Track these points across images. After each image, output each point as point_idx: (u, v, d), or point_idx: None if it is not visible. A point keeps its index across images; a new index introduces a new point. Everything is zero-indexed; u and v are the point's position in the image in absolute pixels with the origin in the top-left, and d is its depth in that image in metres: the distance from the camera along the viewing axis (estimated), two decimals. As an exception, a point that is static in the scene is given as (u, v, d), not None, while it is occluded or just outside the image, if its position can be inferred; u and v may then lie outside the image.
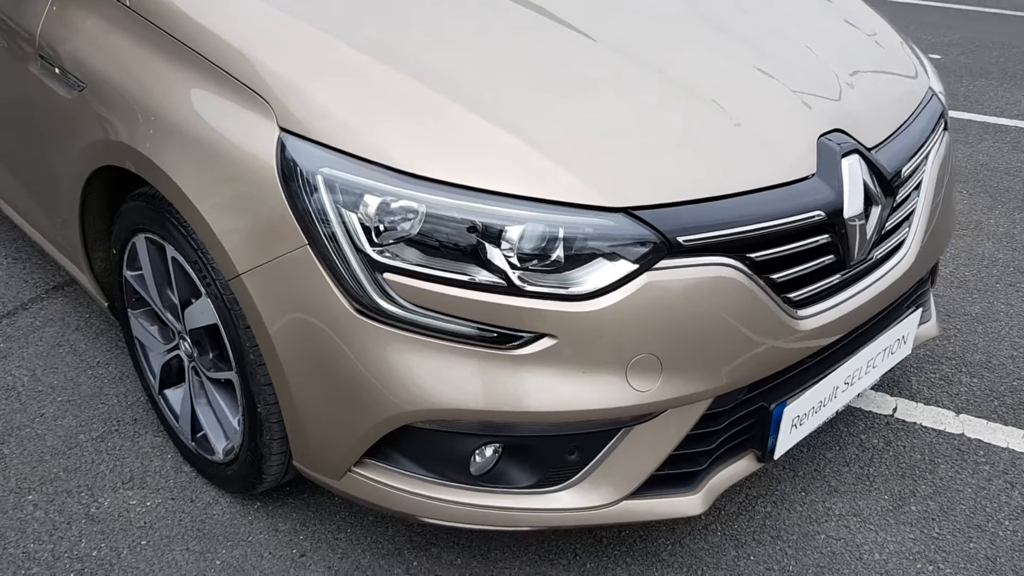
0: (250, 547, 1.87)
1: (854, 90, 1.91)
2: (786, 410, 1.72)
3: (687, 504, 1.67)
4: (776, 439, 1.74)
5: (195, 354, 1.89)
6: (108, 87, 1.81)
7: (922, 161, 1.95)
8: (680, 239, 1.51)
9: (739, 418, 1.72)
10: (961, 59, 5.24)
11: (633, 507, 1.64)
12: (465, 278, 1.47)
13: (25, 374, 2.35)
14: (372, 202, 1.47)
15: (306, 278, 1.51)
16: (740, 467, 1.77)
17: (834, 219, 1.68)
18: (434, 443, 1.58)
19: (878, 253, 1.84)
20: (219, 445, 1.93)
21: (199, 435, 1.98)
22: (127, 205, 1.90)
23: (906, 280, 1.92)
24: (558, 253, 1.48)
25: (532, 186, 1.49)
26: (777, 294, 1.63)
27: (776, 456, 1.77)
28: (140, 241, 1.91)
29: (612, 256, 1.49)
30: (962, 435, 2.26)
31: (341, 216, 1.48)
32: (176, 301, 1.87)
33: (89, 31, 1.90)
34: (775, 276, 1.63)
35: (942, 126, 2.08)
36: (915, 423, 2.30)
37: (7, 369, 2.37)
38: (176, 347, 1.98)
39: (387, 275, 1.48)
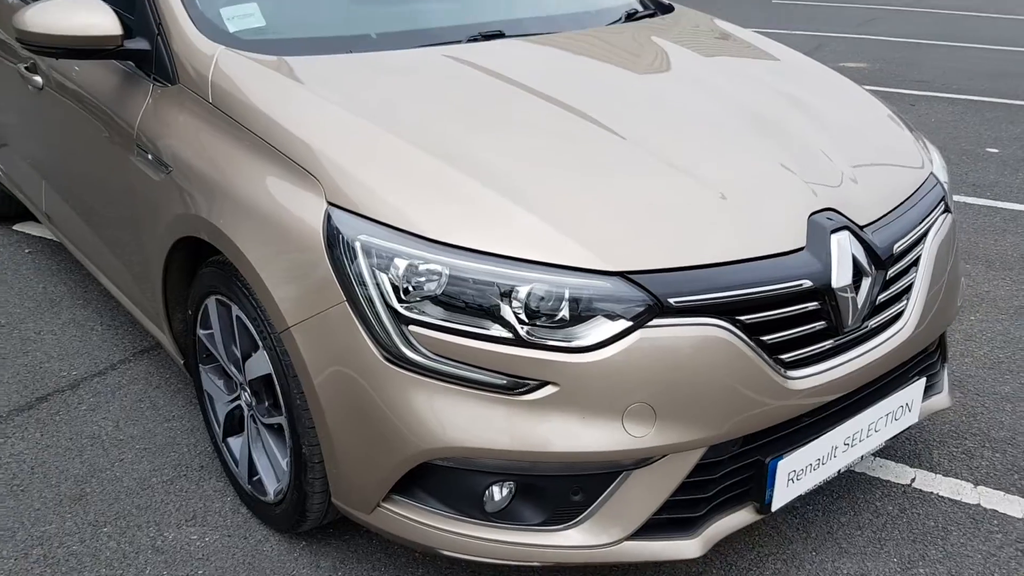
0: (293, 580, 2.07)
1: (850, 174, 2.08)
2: (781, 464, 1.86)
3: (685, 548, 1.81)
4: (773, 492, 1.88)
5: (253, 403, 2.13)
6: (190, 169, 2.12)
7: (918, 240, 2.10)
8: (671, 300, 1.70)
9: (736, 469, 1.86)
10: (1019, 152, 5.32)
11: (634, 548, 1.79)
12: (480, 331, 1.68)
13: (110, 424, 2.63)
14: (401, 264, 1.70)
15: (344, 330, 1.74)
16: (740, 517, 1.90)
17: (823, 289, 1.84)
18: (452, 480, 1.77)
19: (874, 323, 1.98)
20: (271, 487, 2.15)
21: (255, 479, 2.21)
22: (202, 271, 2.18)
23: (904, 350, 2.05)
24: (563, 312, 1.68)
25: (542, 252, 1.70)
26: (769, 355, 1.79)
27: (774, 508, 1.90)
28: (211, 303, 2.18)
29: (610, 314, 1.68)
30: (978, 505, 2.33)
31: (375, 277, 1.72)
32: (239, 355, 2.12)
33: (177, 123, 2.22)
34: (766, 338, 1.79)
35: (942, 209, 2.23)
36: (932, 493, 2.38)
37: (95, 420, 2.66)
38: (238, 398, 2.23)
39: (412, 328, 1.70)
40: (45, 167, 3.16)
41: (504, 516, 1.79)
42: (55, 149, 3.00)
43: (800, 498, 2.04)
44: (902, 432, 2.17)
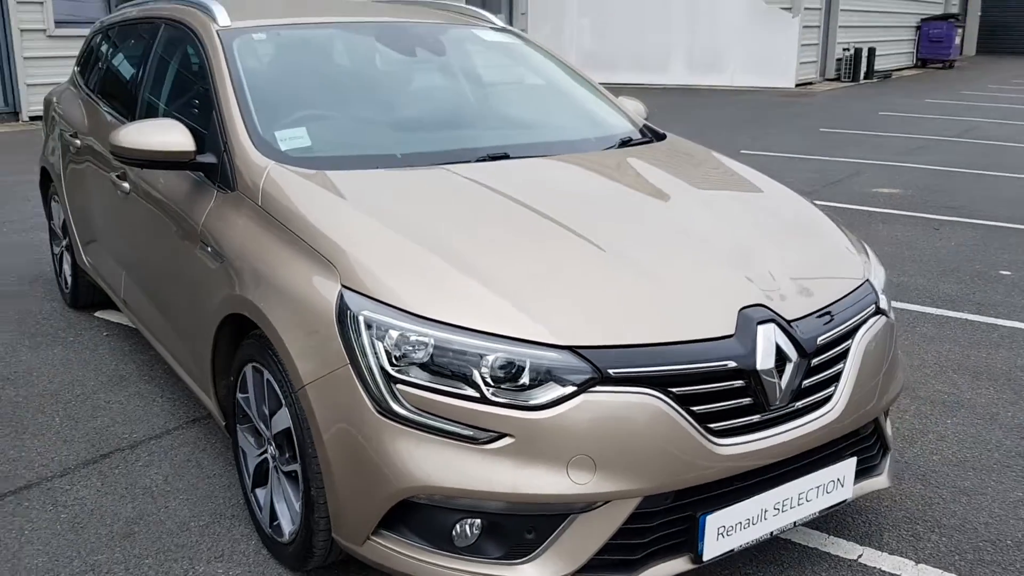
0: (299, 608, 2.42)
1: (787, 278, 2.45)
2: (710, 519, 2.18)
3: (626, 591, 2.13)
4: (703, 544, 2.19)
5: (276, 455, 2.54)
6: (240, 259, 2.59)
7: (847, 336, 2.44)
8: (611, 371, 2.07)
9: (670, 521, 2.18)
10: (1033, 276, 5.58)
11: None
12: (454, 391, 2.07)
13: (160, 478, 3.05)
14: (395, 335, 2.12)
15: (346, 388, 2.15)
16: (676, 565, 2.21)
17: (748, 370, 2.19)
18: (428, 517, 2.13)
19: (801, 404, 2.31)
20: (287, 529, 2.52)
21: (274, 523, 2.59)
22: (244, 343, 2.62)
23: (833, 430, 2.36)
24: (524, 379, 2.07)
25: (508, 328, 2.10)
26: (698, 423, 2.14)
27: (705, 559, 2.20)
28: (248, 369, 2.61)
29: (559, 380, 2.06)
30: (916, 580, 2.58)
31: (373, 345, 2.13)
32: (267, 412, 2.54)
33: (233, 222, 2.71)
34: (696, 408, 2.14)
35: (873, 311, 2.57)
36: (875, 567, 2.63)
37: (148, 474, 3.08)
38: (264, 452, 2.63)
39: (399, 386, 2.10)
40: (125, 260, 3.71)
41: (471, 550, 2.14)
42: (135, 244, 3.54)
43: (740, 554, 2.34)
44: (837, 506, 2.46)
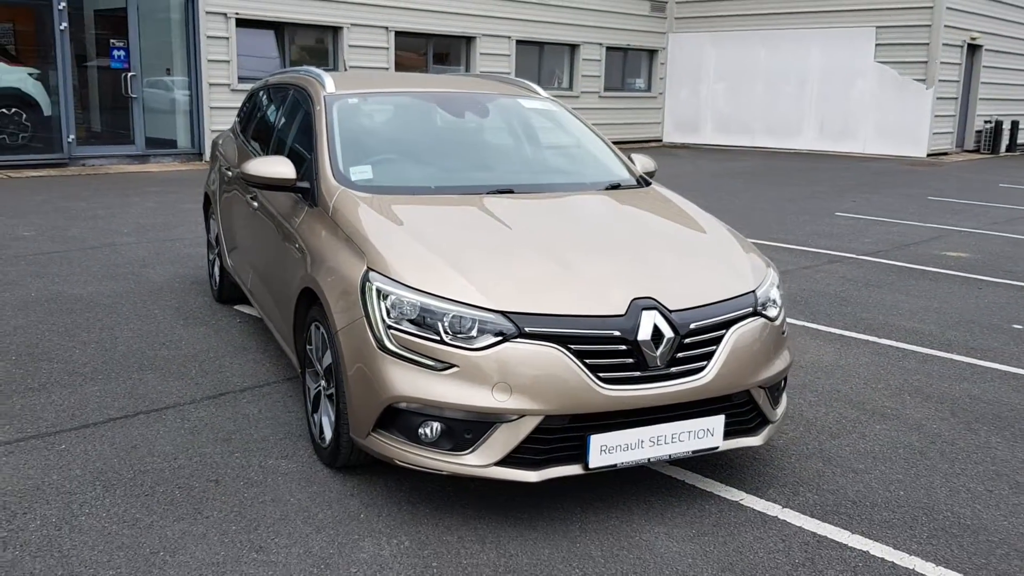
0: (333, 506, 3.54)
1: (679, 280, 3.42)
2: (594, 438, 3.16)
3: (528, 475, 3.14)
4: (589, 456, 3.17)
5: (324, 385, 3.69)
6: (313, 251, 3.79)
7: (721, 326, 3.38)
8: (527, 329, 3.12)
9: (566, 437, 3.18)
10: (1043, 331, 6.14)
11: (498, 471, 3.14)
12: (425, 335, 3.17)
13: (255, 411, 4.27)
14: (392, 298, 3.24)
15: (360, 333, 3.28)
16: (571, 468, 3.20)
17: (630, 340, 3.18)
18: (404, 419, 3.21)
19: (676, 369, 3.27)
20: (327, 436, 3.66)
21: (321, 435, 3.73)
22: (312, 309, 3.81)
23: (701, 391, 3.29)
24: (471, 330, 3.14)
25: (465, 297, 3.18)
26: (591, 371, 3.15)
27: (591, 467, 3.18)
28: (313, 327, 3.79)
29: (492, 332, 3.12)
30: (778, 518, 3.44)
31: (378, 304, 3.25)
32: (320, 355, 3.70)
33: (312, 227, 3.93)
34: (588, 361, 3.15)
35: (749, 312, 3.49)
36: (750, 507, 3.51)
37: (248, 407, 4.31)
38: (319, 385, 3.79)
39: (392, 331, 3.21)
40: (252, 258, 5.02)
41: (432, 445, 3.21)
42: (257, 246, 4.84)
43: (649, 490, 3.29)
44: (709, 451, 3.37)
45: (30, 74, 13.89)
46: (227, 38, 14.41)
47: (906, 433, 4.30)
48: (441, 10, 17.24)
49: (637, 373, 3.22)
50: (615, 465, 3.24)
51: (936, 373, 5.19)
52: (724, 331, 3.41)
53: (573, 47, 20.33)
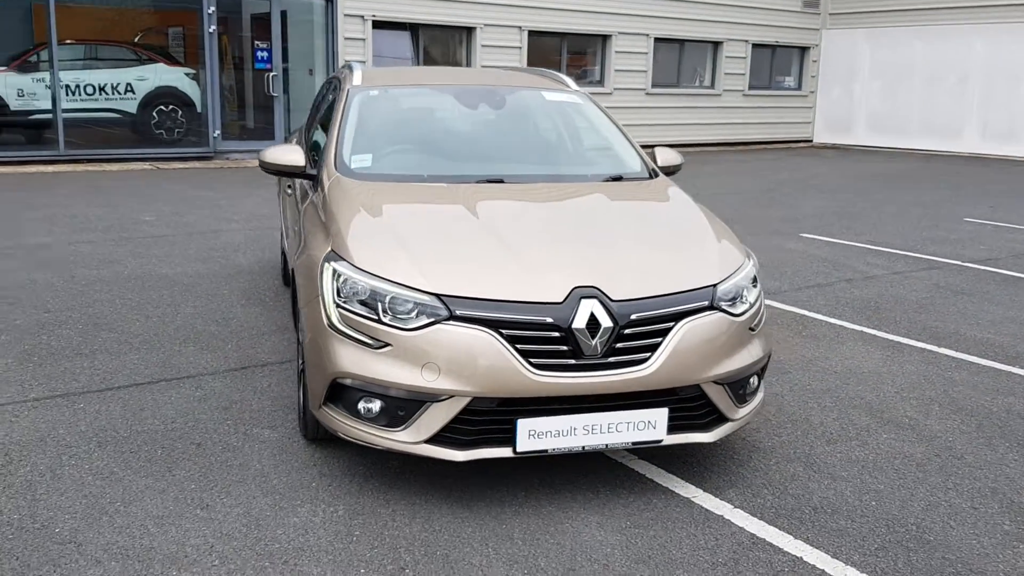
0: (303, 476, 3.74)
1: (630, 270, 3.40)
2: (521, 422, 3.20)
3: (454, 455, 3.22)
4: (517, 440, 3.21)
5: (300, 360, 3.90)
6: (304, 234, 4.00)
7: (669, 318, 3.33)
8: (458, 312, 3.20)
9: (496, 420, 3.23)
10: None
11: (427, 448, 3.24)
12: (366, 315, 3.30)
13: (267, 384, 4.54)
14: (343, 279, 3.39)
15: (316, 310, 3.45)
16: (500, 451, 3.25)
17: (565, 328, 3.20)
18: (347, 395, 3.36)
19: (613, 359, 3.25)
20: (302, 409, 3.87)
21: (301, 407, 3.94)
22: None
23: (643, 383, 3.26)
24: (407, 311, 3.25)
25: (405, 279, 3.30)
26: (522, 356, 3.19)
27: (519, 451, 3.22)
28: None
29: (425, 314, 3.22)
30: (722, 516, 3.37)
31: (332, 285, 3.41)
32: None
33: (310, 212, 4.14)
34: (520, 346, 3.19)
35: (705, 306, 3.41)
36: (701, 505, 3.44)
37: (262, 381, 4.58)
38: (301, 360, 4.00)
39: (340, 310, 3.36)
40: (287, 242, 5.31)
41: (370, 420, 3.33)
42: (289, 230, 5.13)
43: (589, 461, 3.31)
44: (651, 443, 3.34)
45: (187, 74, 15.00)
46: (363, 39, 15.05)
47: (913, 444, 4.07)
48: (576, 8, 17.31)
49: (572, 361, 3.23)
50: (546, 451, 3.27)
51: (982, 385, 4.85)
52: (673, 324, 3.36)
53: (716, 44, 19.92)
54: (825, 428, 4.22)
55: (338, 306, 3.37)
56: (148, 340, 5.20)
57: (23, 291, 6.15)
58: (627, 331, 3.29)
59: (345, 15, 14.82)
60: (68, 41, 13.95)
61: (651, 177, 4.53)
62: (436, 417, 3.23)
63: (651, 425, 3.34)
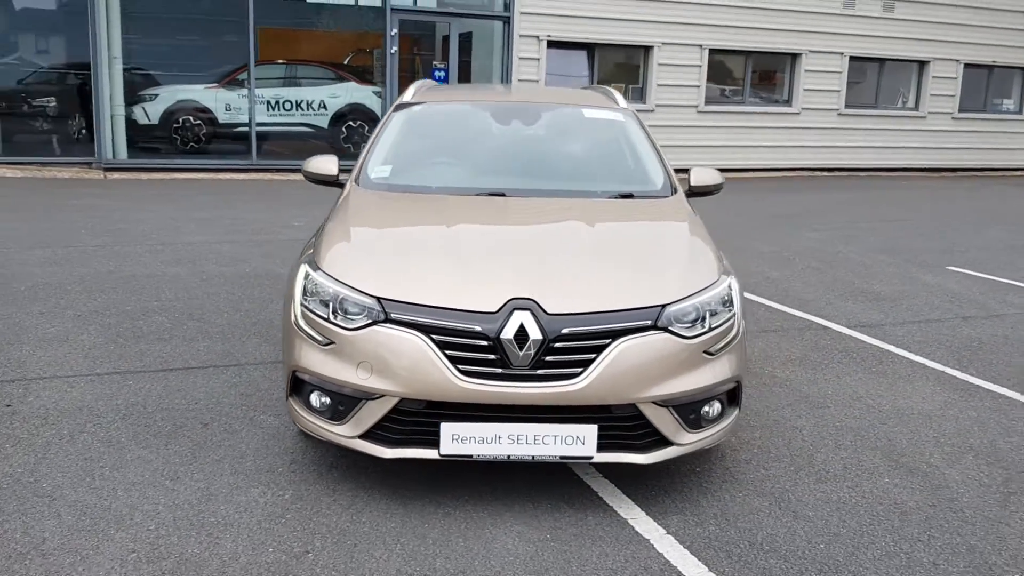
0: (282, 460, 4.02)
1: (574, 286, 3.42)
2: (445, 426, 3.30)
3: (382, 451, 3.37)
4: (441, 442, 3.32)
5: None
6: (324, 224, 4.30)
7: (603, 336, 3.31)
8: (393, 315, 3.36)
9: (422, 422, 3.35)
10: None
11: (359, 443, 3.41)
12: (320, 314, 3.52)
13: (267, 381, 4.88)
14: (309, 279, 3.64)
15: (288, 308, 3.72)
16: (426, 452, 3.36)
17: (493, 337, 3.28)
18: (303, 388, 3.59)
19: (542, 372, 3.29)
20: (298, 401, 4.15)
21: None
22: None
23: (573, 398, 3.28)
24: (352, 313, 3.44)
25: (355, 283, 3.49)
26: (450, 362, 3.30)
27: (442, 453, 3.32)
28: (307, 305, 4.30)
29: (365, 315, 3.40)
30: (644, 539, 3.31)
31: (301, 287, 3.66)
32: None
33: (334, 209, 4.44)
34: (448, 352, 3.30)
35: (647, 325, 3.36)
36: (632, 527, 3.40)
37: (254, 377, 4.93)
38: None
39: (303, 308, 3.61)
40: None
41: (319, 413, 3.55)
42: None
43: (481, 463, 3.38)
44: (580, 459, 3.34)
45: (374, 92, 16.01)
46: (537, 59, 15.43)
47: (912, 492, 3.77)
48: (762, 26, 16.85)
49: (500, 370, 3.30)
50: (471, 456, 3.35)
51: (989, 421, 4.39)
52: (609, 341, 3.34)
53: (921, 64, 18.69)
54: (825, 467, 3.99)
55: (302, 305, 3.62)
56: (224, 331, 5.71)
57: (149, 281, 6.90)
58: (557, 345, 3.32)
59: (520, 36, 15.27)
60: (279, 61, 15.33)
61: (667, 195, 4.47)
62: (370, 414, 3.40)
63: (579, 441, 3.34)
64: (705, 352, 3.50)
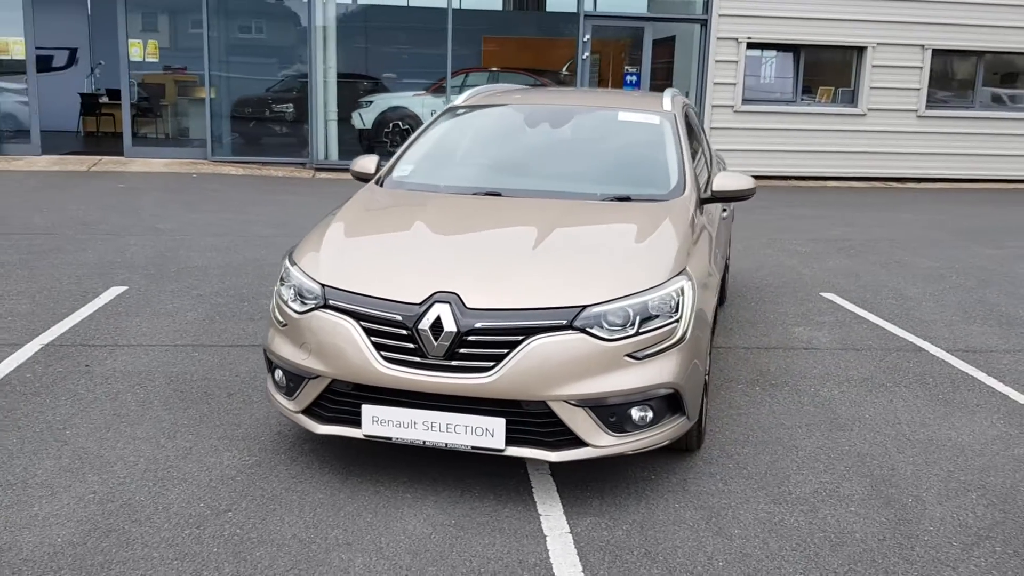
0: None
1: (498, 284, 3.51)
2: (366, 407, 3.52)
3: (316, 428, 3.64)
4: (362, 423, 3.54)
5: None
6: (333, 231, 4.67)
7: (516, 333, 3.38)
8: (330, 302, 3.62)
9: (349, 403, 3.57)
10: None
11: (301, 418, 3.71)
12: (282, 299, 3.85)
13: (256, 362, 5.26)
14: (285, 270, 3.98)
15: (274, 297, 4.09)
16: (351, 431, 3.59)
17: (411, 327, 3.46)
18: (272, 365, 3.93)
19: (455, 363, 3.42)
20: (304, 379, 4.51)
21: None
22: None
23: (483, 391, 3.38)
24: (303, 297, 3.74)
25: (311, 271, 3.79)
26: (375, 348, 3.51)
27: (364, 433, 3.54)
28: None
29: (311, 300, 3.69)
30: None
31: (282, 280, 4.01)
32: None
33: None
34: (374, 338, 3.52)
35: (562, 325, 3.38)
36: (538, 520, 3.43)
37: (249, 360, 5.31)
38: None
39: (276, 297, 3.95)
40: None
41: (280, 390, 3.88)
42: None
43: (400, 445, 3.57)
44: (490, 451, 3.43)
45: (574, 96, 16.33)
46: (735, 61, 15.03)
47: (871, 524, 3.51)
48: (995, 24, 15.35)
49: (417, 359, 3.47)
50: (390, 438, 3.54)
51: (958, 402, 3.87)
52: (523, 338, 3.41)
53: None
54: (792, 489, 3.78)
55: (276, 292, 3.97)
56: (309, 315, 6.21)
57: (250, 266, 7.58)
58: (471, 338, 3.43)
59: (718, 38, 14.95)
60: (492, 68, 16.10)
61: (664, 199, 4.37)
62: (310, 392, 3.69)
63: (489, 433, 3.44)
64: (629, 356, 3.46)
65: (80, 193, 11.16)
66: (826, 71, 15.87)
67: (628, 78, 15.32)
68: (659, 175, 4.60)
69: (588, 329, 3.43)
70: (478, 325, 3.43)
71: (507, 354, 3.40)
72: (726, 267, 6.77)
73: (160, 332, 5.68)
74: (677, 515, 3.53)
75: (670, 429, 3.61)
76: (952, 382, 5.20)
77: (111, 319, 5.91)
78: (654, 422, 3.56)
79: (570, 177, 4.69)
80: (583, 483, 3.75)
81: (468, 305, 3.46)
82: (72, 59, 19.98)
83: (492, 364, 3.41)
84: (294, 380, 3.76)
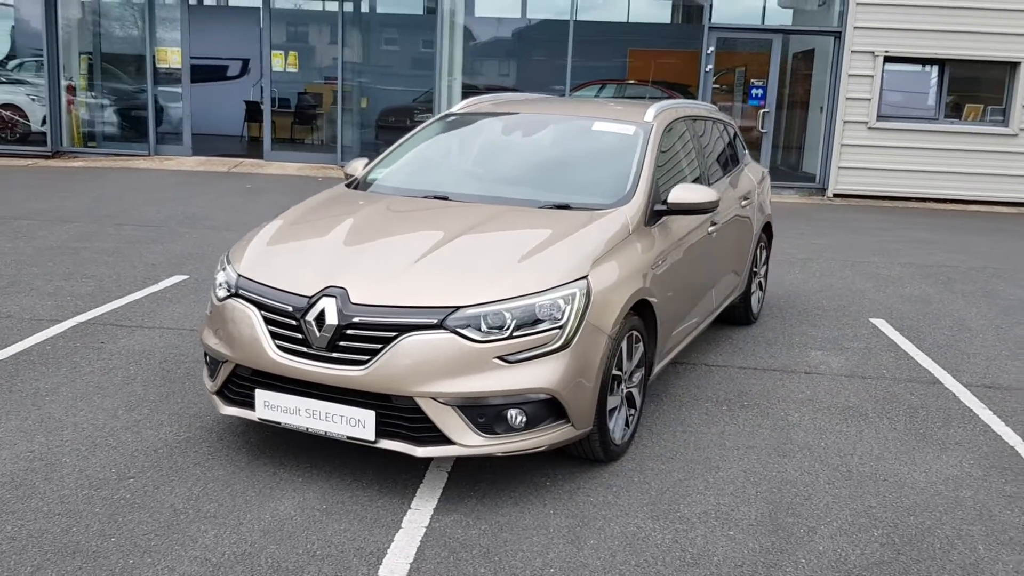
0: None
1: (392, 283, 3.63)
2: (258, 392, 3.73)
3: (224, 409, 3.89)
4: (255, 405, 3.75)
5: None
6: (306, 228, 4.93)
7: (389, 329, 3.50)
8: (240, 291, 3.87)
9: (248, 386, 3.79)
10: None
11: (215, 398, 3.97)
12: (216, 288, 4.13)
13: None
14: (221, 265, 4.25)
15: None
16: (249, 413, 3.81)
17: (299, 317, 3.64)
18: (206, 356, 4.22)
19: (335, 355, 3.57)
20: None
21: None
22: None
23: (355, 383, 3.52)
24: (227, 287, 4.00)
25: (235, 263, 4.04)
26: (272, 336, 3.73)
27: (257, 416, 3.75)
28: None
29: (231, 289, 3.94)
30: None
31: (221, 279, 4.28)
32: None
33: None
34: (270, 327, 3.73)
35: (432, 324, 3.46)
36: (406, 511, 3.52)
37: (331, 350, 5.58)
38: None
39: (217, 291, 4.23)
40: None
41: (207, 370, 4.15)
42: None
43: (290, 430, 3.75)
44: (363, 441, 3.56)
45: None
46: (871, 76, 14.29)
47: (736, 548, 3.37)
48: None
49: (303, 349, 3.66)
50: (279, 423, 3.73)
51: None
52: (397, 334, 3.52)
53: None
54: (681, 510, 3.67)
55: (215, 282, 4.26)
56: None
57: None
58: (349, 331, 3.57)
59: (852, 51, 14.28)
60: (630, 81, 16.22)
61: (605, 209, 4.32)
62: (222, 375, 3.94)
63: (361, 424, 3.57)
64: (500, 358, 3.50)
65: (207, 191, 12.08)
66: (974, 87, 14.83)
67: (753, 91, 14.90)
68: (612, 185, 4.55)
69: (458, 329, 3.49)
70: (356, 319, 3.57)
71: (380, 349, 3.52)
72: (756, 285, 6.56)
73: (187, 318, 6.14)
74: (543, 521, 3.53)
75: (548, 435, 3.61)
76: (946, 417, 4.83)
77: (153, 304, 6.44)
78: (529, 426, 3.57)
79: (521, 183, 4.72)
80: (473, 484, 3.80)
81: (352, 300, 3.61)
82: (244, 69, 21.54)
83: (367, 358, 3.54)
84: (214, 363, 4.03)
